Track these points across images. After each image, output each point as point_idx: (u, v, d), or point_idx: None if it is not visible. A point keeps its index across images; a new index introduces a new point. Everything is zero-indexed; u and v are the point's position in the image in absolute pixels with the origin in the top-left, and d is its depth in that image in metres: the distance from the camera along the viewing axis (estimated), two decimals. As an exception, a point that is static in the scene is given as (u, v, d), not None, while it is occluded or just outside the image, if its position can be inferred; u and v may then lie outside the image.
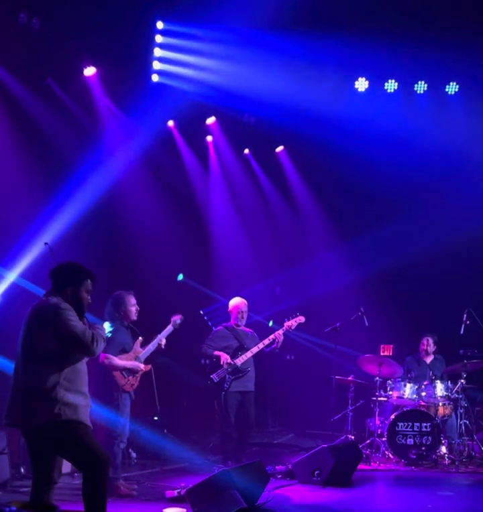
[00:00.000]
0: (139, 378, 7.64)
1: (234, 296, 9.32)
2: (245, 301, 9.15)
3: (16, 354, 5.25)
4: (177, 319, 8.01)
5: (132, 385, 7.56)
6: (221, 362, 8.70)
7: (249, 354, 8.83)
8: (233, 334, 8.98)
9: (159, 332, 7.86)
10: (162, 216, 11.18)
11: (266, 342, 8.90)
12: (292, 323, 9.04)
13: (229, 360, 8.72)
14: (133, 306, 7.70)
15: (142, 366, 7.62)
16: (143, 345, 7.73)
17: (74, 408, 5.06)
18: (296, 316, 9.09)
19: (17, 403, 5.09)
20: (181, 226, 11.38)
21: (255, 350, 8.85)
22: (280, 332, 8.93)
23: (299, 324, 9.13)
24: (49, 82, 9.58)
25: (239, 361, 8.77)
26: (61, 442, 5.07)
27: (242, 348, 8.88)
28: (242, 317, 9.05)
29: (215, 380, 8.69)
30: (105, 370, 7.44)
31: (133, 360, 7.59)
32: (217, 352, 8.78)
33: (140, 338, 7.74)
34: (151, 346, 7.74)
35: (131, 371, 7.55)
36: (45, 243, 6.58)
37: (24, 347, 5.15)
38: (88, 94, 10.05)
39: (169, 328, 7.91)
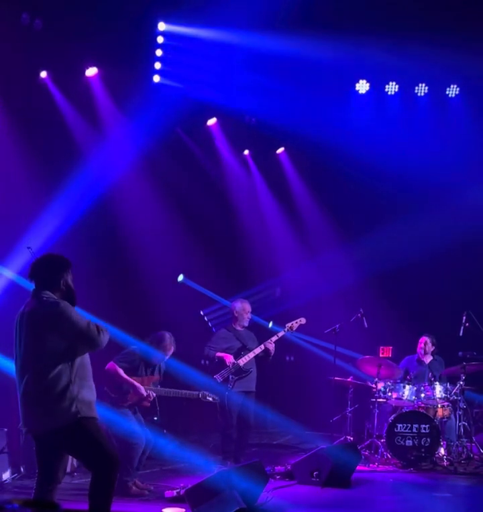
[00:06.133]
0: (130, 402, 7.50)
1: (234, 297, 9.34)
2: (248, 303, 9.19)
3: (17, 360, 5.19)
4: (208, 395, 8.00)
5: (122, 402, 7.47)
6: (227, 363, 8.71)
7: (251, 355, 8.86)
8: (235, 335, 9.01)
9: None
10: (163, 217, 11.19)
11: (263, 346, 8.92)
12: (293, 324, 9.09)
13: (234, 361, 8.75)
14: (167, 354, 7.72)
15: (143, 391, 7.47)
16: (155, 384, 7.73)
17: (88, 404, 5.07)
18: (298, 318, 9.15)
19: (31, 408, 5.05)
20: (182, 226, 11.40)
21: (257, 350, 8.88)
22: (273, 339, 8.94)
23: (300, 325, 9.18)
24: (45, 80, 9.62)
25: (242, 362, 8.80)
26: (76, 442, 5.06)
27: (244, 349, 8.92)
28: (247, 319, 9.09)
29: (219, 381, 8.72)
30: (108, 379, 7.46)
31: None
32: (219, 354, 8.80)
33: (157, 377, 7.75)
34: (162, 391, 7.70)
35: (130, 390, 7.49)
36: (28, 247, 6.38)
37: (30, 351, 5.07)
38: (90, 94, 10.08)
39: (194, 394, 7.87)
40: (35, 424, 5.08)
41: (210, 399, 8.06)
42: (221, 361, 8.77)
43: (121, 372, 7.49)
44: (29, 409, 5.07)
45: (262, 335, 9.37)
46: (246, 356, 8.83)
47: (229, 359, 8.74)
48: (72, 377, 5.03)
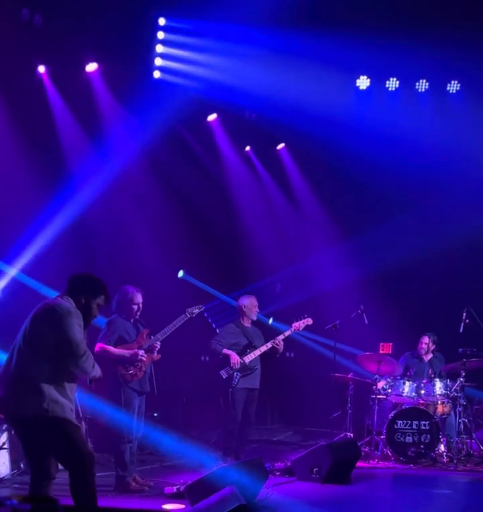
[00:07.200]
0: (143, 369, 7.58)
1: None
2: (255, 298, 9.21)
3: (13, 344, 5.28)
4: (194, 308, 8.04)
5: (133, 375, 7.49)
6: (231, 363, 8.66)
7: (257, 353, 8.84)
8: (242, 331, 9.01)
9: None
10: (163, 213, 11.19)
11: (269, 345, 8.92)
12: (299, 324, 9.09)
13: (239, 361, 8.73)
14: (135, 305, 7.69)
15: (141, 352, 7.51)
16: (149, 336, 7.73)
17: (61, 406, 5.09)
18: (304, 318, 9.14)
19: (7, 391, 5.14)
20: (183, 222, 11.39)
21: (263, 348, 8.87)
22: (280, 337, 8.95)
23: (306, 326, 9.20)
24: (44, 75, 9.62)
25: (248, 359, 8.79)
26: (48, 438, 5.11)
27: (251, 346, 8.89)
28: (256, 313, 9.10)
29: (224, 377, 8.70)
30: (106, 364, 7.44)
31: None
32: (225, 351, 8.75)
33: (146, 329, 7.75)
34: (159, 335, 7.70)
35: (132, 361, 7.52)
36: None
37: (25, 338, 5.19)
38: (90, 90, 10.07)
39: (183, 317, 7.90)
40: (4, 407, 5.17)
41: (197, 310, 8.05)
42: (226, 357, 8.75)
43: (111, 348, 7.48)
44: (4, 391, 5.15)
45: (264, 332, 9.36)
46: (252, 354, 8.81)
47: (234, 359, 8.71)
48: (52, 377, 5.09)
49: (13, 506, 2.58)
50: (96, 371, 5.33)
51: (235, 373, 8.71)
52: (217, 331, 9.76)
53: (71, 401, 5.22)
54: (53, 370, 5.09)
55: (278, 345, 8.88)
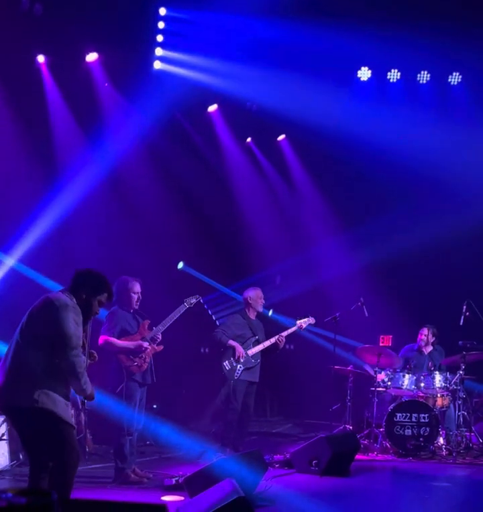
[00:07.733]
0: (147, 360, 7.57)
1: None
2: (260, 289, 9.23)
3: (13, 336, 5.29)
4: (191, 298, 8.02)
5: (139, 366, 7.49)
6: (236, 356, 8.67)
7: (260, 347, 8.87)
8: (248, 323, 9.01)
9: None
10: (163, 203, 11.15)
11: (273, 340, 8.93)
12: (302, 324, 9.12)
13: (244, 354, 8.73)
14: (135, 294, 7.67)
15: (146, 344, 7.52)
16: (150, 327, 7.72)
17: (53, 400, 5.05)
18: (307, 317, 9.18)
19: (4, 382, 5.14)
20: (182, 213, 11.36)
21: (267, 344, 8.90)
22: (284, 334, 8.96)
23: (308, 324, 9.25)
24: (44, 65, 9.59)
25: (251, 353, 8.81)
26: (36, 429, 5.09)
27: (254, 340, 8.91)
28: (262, 305, 9.12)
29: (227, 368, 8.70)
30: (109, 357, 7.43)
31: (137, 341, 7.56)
32: (231, 342, 8.75)
33: (147, 320, 7.74)
34: (161, 327, 7.71)
35: (136, 352, 7.52)
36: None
37: (23, 331, 5.19)
38: (90, 80, 10.03)
39: (181, 307, 7.90)
40: (4, 398, 5.16)
41: (194, 300, 8.05)
42: (231, 349, 8.74)
43: (115, 340, 7.47)
44: (3, 383, 5.15)
45: (263, 324, 9.34)
46: (256, 348, 8.84)
47: (239, 352, 8.69)
48: (46, 370, 5.07)
49: (8, 499, 2.57)
50: (87, 384, 5.21)
51: (239, 366, 8.70)
52: (217, 322, 9.74)
53: (66, 397, 5.18)
54: (48, 364, 5.07)
55: (280, 342, 8.89)
